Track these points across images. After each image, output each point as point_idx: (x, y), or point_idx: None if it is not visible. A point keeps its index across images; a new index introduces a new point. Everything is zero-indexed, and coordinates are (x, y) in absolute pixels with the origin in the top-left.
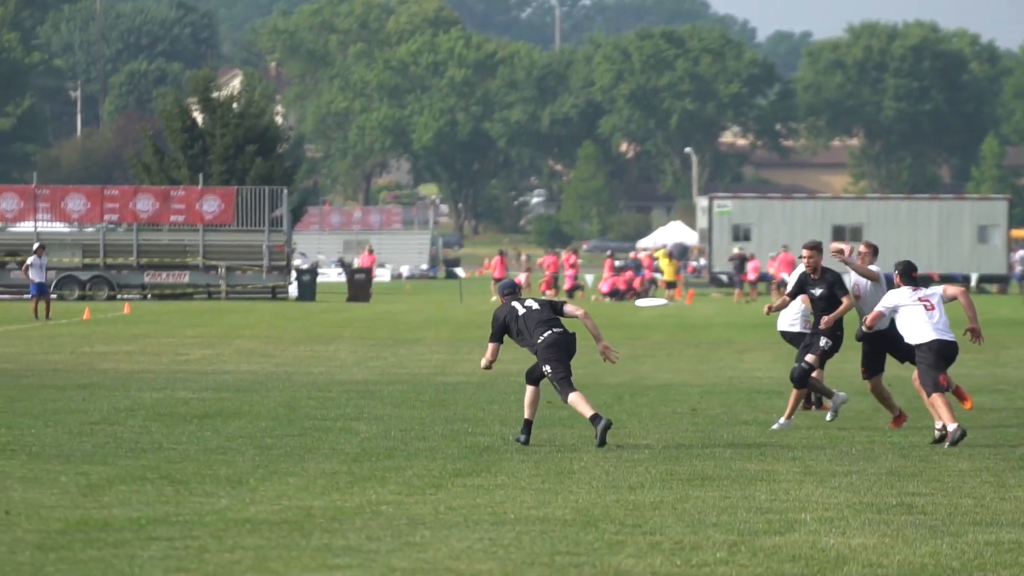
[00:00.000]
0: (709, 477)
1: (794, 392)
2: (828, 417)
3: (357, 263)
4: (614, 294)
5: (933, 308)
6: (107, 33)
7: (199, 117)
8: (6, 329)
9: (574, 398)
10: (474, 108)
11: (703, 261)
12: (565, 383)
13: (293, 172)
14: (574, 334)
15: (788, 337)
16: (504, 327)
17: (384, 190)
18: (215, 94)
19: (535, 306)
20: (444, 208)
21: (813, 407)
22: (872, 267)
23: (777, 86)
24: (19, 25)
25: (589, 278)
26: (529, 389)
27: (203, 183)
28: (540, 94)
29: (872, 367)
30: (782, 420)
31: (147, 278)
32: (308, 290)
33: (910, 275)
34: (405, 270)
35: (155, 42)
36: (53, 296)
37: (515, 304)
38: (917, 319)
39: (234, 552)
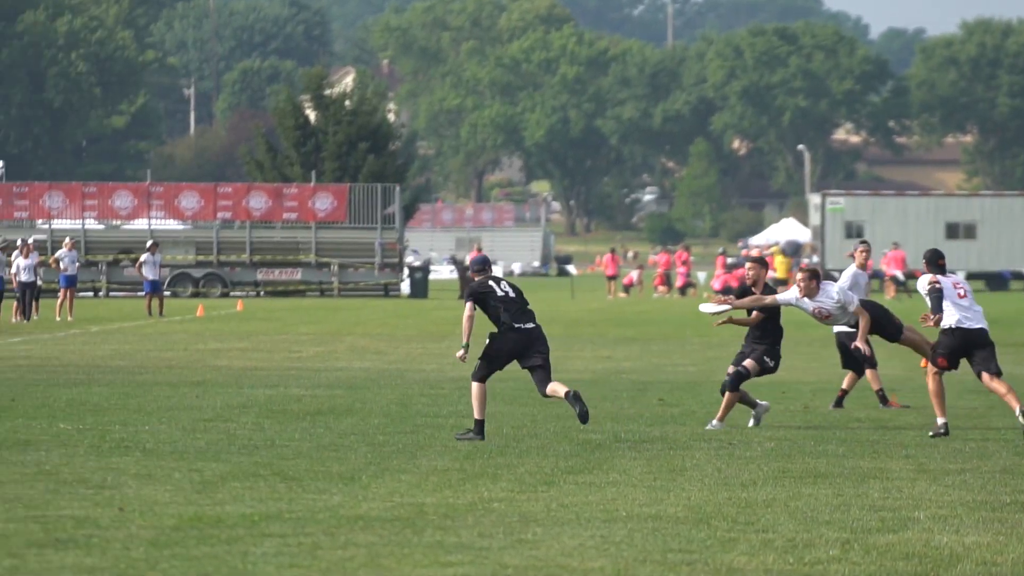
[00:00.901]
0: (822, 475)
1: (727, 396)
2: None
3: (469, 260)
4: (727, 291)
5: (965, 296)
6: (220, 31)
7: (312, 115)
8: (120, 326)
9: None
10: (586, 105)
11: (816, 258)
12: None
13: (405, 169)
14: (541, 329)
15: (845, 338)
16: (479, 297)
17: (496, 187)
18: (328, 91)
19: (512, 293)
20: (556, 205)
21: (895, 404)
22: (784, 295)
23: (890, 83)
24: (133, 23)
25: (701, 275)
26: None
27: (316, 180)
28: (652, 91)
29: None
30: (714, 421)
31: (260, 275)
32: (420, 287)
33: (936, 263)
34: (517, 267)
35: (268, 40)
36: (166, 293)
37: (492, 284)
38: (948, 305)
39: (347, 549)
